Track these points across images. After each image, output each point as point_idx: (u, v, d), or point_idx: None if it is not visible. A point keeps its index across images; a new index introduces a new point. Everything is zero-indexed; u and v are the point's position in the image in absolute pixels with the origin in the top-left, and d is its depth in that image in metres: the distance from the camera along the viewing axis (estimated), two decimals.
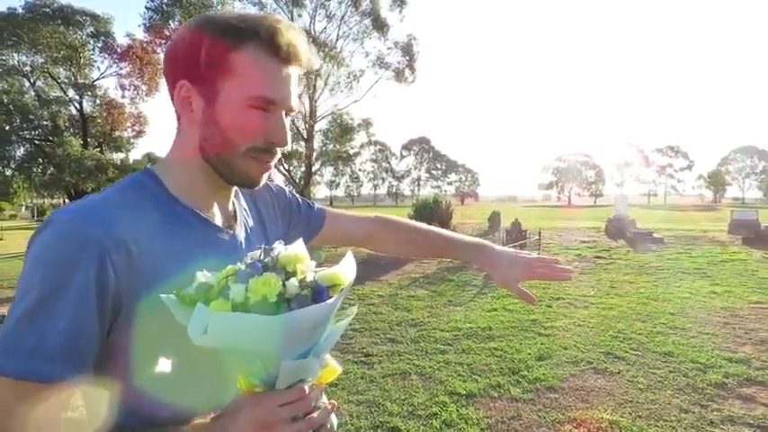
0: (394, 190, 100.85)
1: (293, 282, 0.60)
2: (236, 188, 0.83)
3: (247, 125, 0.71)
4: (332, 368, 0.69)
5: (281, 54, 0.70)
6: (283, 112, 0.73)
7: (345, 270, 0.65)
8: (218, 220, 0.79)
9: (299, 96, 0.77)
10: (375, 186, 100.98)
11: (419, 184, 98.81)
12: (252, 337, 0.57)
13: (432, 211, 12.92)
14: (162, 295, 0.62)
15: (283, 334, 0.58)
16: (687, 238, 13.88)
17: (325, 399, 0.68)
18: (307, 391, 0.63)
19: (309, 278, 0.62)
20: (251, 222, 0.87)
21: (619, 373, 3.93)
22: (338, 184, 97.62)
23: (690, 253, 10.98)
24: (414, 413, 3.26)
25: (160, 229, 0.70)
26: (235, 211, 0.84)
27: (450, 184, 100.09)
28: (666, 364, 4.10)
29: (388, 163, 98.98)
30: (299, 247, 0.66)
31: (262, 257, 0.63)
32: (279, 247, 0.65)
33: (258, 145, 0.72)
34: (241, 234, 0.82)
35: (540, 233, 11.64)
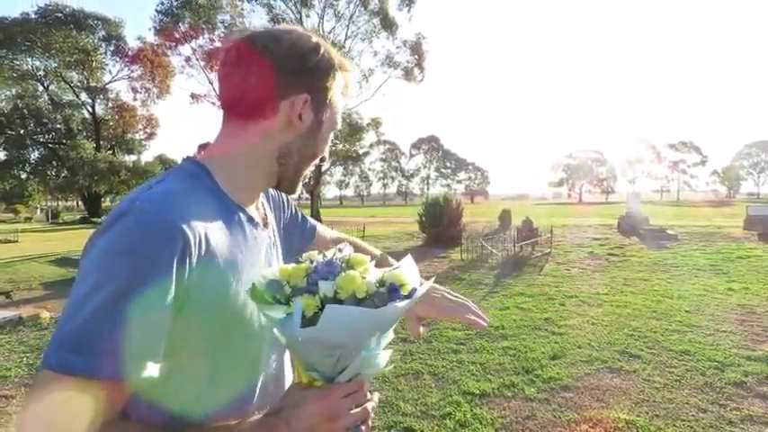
0: (403, 189, 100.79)
1: (371, 280, 0.65)
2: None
3: (325, 146, 0.83)
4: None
5: (349, 91, 0.83)
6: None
7: (407, 272, 0.69)
8: (257, 217, 0.82)
9: None
10: (384, 185, 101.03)
11: (428, 183, 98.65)
12: (359, 329, 0.63)
13: (441, 210, 12.86)
14: (244, 290, 0.67)
15: (383, 326, 0.65)
16: (701, 235, 13.69)
17: (368, 393, 0.73)
18: (363, 383, 0.69)
19: (376, 277, 0.67)
20: (273, 221, 0.94)
21: (634, 371, 3.88)
22: (347, 184, 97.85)
23: (705, 249, 10.83)
24: (427, 413, 3.25)
25: (219, 222, 0.71)
26: (265, 210, 0.89)
27: (459, 182, 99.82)
28: (683, 362, 4.04)
29: (398, 162, 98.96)
30: (350, 250, 0.71)
31: (335, 258, 0.68)
32: (346, 250, 0.70)
33: (316, 161, 0.84)
34: (271, 231, 0.87)
35: (551, 231, 11.55)
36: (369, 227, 17.17)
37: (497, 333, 4.94)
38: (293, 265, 0.67)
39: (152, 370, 0.61)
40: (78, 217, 37.39)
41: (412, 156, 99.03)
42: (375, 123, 28.72)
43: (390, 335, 0.72)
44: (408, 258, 0.73)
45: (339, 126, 0.84)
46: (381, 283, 0.66)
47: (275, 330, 0.67)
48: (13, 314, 5.69)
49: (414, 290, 0.67)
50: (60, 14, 32.26)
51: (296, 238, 1.03)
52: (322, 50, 0.76)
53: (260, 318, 0.73)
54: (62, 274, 9.48)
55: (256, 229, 0.80)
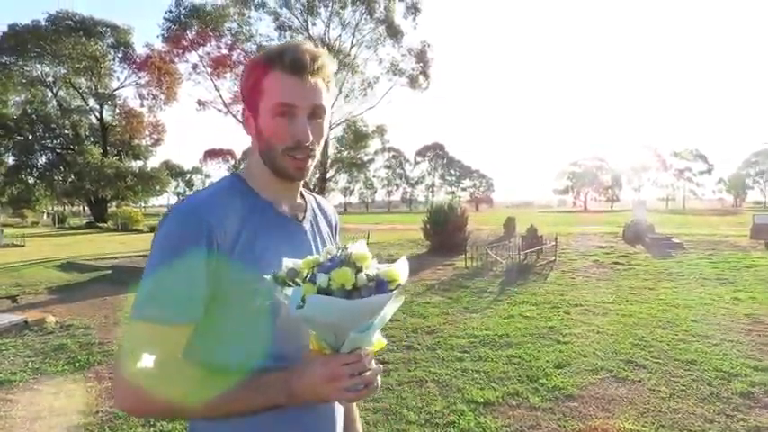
0: (408, 196, 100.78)
1: (362, 275, 0.77)
2: (301, 188, 1.04)
3: (277, 130, 0.90)
4: (380, 341, 0.88)
5: (295, 70, 0.87)
6: (305, 115, 0.90)
7: (400, 269, 0.82)
8: (287, 211, 0.99)
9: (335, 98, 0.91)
10: (389, 193, 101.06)
11: (433, 191, 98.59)
12: (336, 315, 0.76)
13: (446, 217, 12.85)
14: (265, 276, 0.83)
15: (358, 314, 0.78)
16: (707, 243, 13.60)
17: (374, 363, 0.85)
18: (363, 355, 0.82)
19: (372, 272, 0.79)
20: (315, 220, 1.08)
21: (640, 381, 3.85)
22: (352, 191, 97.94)
23: (711, 258, 10.76)
24: (431, 421, 3.23)
25: (247, 217, 0.90)
26: (305, 206, 1.05)
27: (464, 189, 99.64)
28: (689, 372, 4.01)
29: (402, 169, 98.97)
30: (363, 247, 0.83)
31: (339, 254, 0.81)
32: (352, 247, 0.82)
33: (289, 145, 0.90)
34: (307, 225, 1.02)
35: (556, 239, 11.51)
36: (373, 234, 17.19)
37: (502, 341, 4.92)
38: (313, 257, 0.83)
39: (196, 318, 0.84)
40: (84, 222, 37.57)
41: (417, 163, 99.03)
42: (380, 131, 28.80)
43: (386, 318, 0.85)
44: (403, 259, 0.86)
45: (284, 99, 0.87)
46: (373, 278, 0.78)
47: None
48: (19, 318, 5.72)
49: (398, 286, 0.80)
50: (70, 22, 32.66)
51: None
52: (246, 65, 0.95)
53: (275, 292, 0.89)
54: (68, 278, 9.52)
55: (285, 221, 0.97)
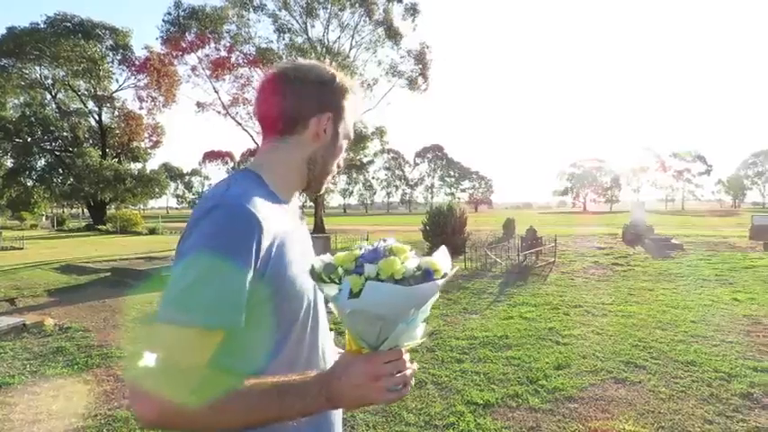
0: (407, 198, 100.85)
1: (409, 264, 0.78)
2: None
3: (342, 153, 1.04)
4: (423, 336, 0.89)
5: (358, 108, 1.04)
6: None
7: (440, 260, 0.82)
8: (297, 213, 1.02)
9: None
10: (388, 194, 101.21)
11: (432, 192, 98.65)
12: (392, 302, 0.75)
13: (445, 219, 12.86)
14: (303, 270, 0.84)
15: (413, 301, 0.77)
16: (707, 244, 13.60)
17: (410, 362, 0.85)
18: (403, 353, 0.82)
19: (414, 264, 0.79)
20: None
21: (639, 382, 3.85)
22: (352, 193, 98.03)
23: (710, 259, 10.76)
24: (431, 423, 3.23)
25: (277, 215, 0.89)
26: (299, 209, 1.09)
27: (463, 191, 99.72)
28: (689, 373, 4.01)
29: (402, 171, 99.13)
30: (395, 241, 0.84)
31: (379, 246, 0.81)
32: (390, 240, 0.83)
33: (340, 166, 1.05)
34: (305, 226, 1.07)
35: (555, 240, 11.50)
36: (372, 235, 17.18)
37: (501, 342, 4.92)
38: (346, 252, 0.81)
39: (237, 323, 0.79)
40: (83, 224, 37.52)
41: (416, 164, 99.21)
42: (379, 132, 28.79)
43: (427, 312, 0.84)
44: (443, 249, 0.86)
45: (352, 137, 1.04)
46: (418, 268, 0.78)
47: (330, 304, 0.82)
48: (17, 321, 5.71)
49: (445, 274, 0.80)
50: (69, 24, 32.60)
51: None
52: (338, 77, 0.98)
53: (314, 292, 0.92)
54: (66, 281, 9.50)
55: (297, 220, 1.00)
